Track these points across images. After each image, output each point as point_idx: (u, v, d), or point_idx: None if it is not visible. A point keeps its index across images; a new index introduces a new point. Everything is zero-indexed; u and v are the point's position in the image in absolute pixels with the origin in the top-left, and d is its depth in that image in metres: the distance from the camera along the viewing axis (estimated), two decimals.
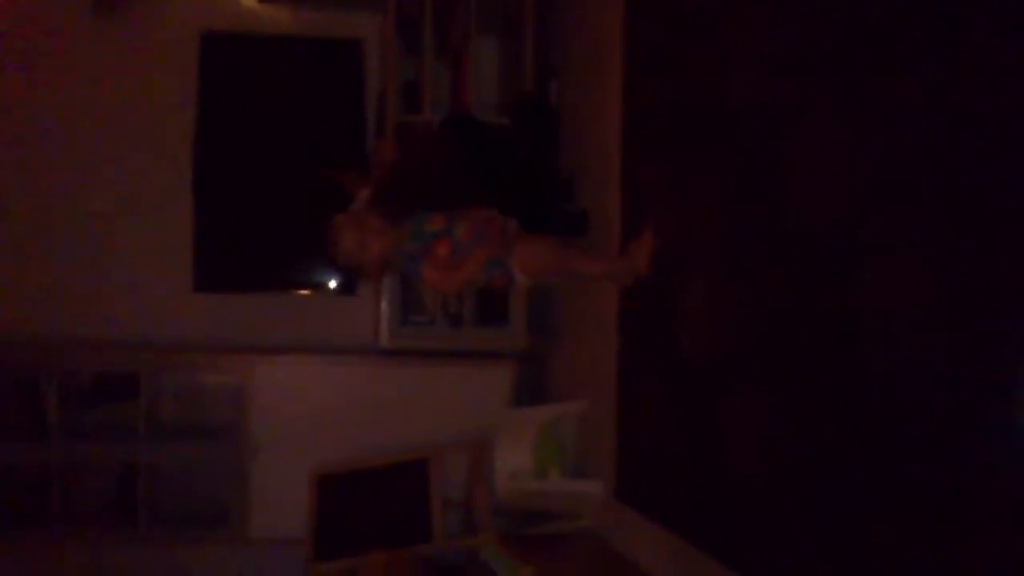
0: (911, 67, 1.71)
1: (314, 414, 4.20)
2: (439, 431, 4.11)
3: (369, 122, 4.63)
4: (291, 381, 4.26)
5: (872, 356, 1.81)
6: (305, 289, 4.68)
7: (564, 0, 4.24)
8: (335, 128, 4.64)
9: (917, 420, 1.67)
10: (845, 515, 1.89)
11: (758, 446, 2.28)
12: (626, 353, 3.26)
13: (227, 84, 4.67)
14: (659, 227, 2.92)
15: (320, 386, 4.26)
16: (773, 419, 2.21)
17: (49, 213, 4.53)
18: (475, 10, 4.25)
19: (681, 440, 2.76)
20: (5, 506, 4.18)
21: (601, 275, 3.20)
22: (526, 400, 4.17)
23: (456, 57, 4.33)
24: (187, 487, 4.44)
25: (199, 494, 4.41)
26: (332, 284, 4.64)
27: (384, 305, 4.20)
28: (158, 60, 4.64)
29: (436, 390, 4.22)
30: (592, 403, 3.61)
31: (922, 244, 1.67)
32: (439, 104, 4.28)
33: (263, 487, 4.19)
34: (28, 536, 4.21)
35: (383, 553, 3.72)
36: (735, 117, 2.46)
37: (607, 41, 3.50)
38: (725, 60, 2.53)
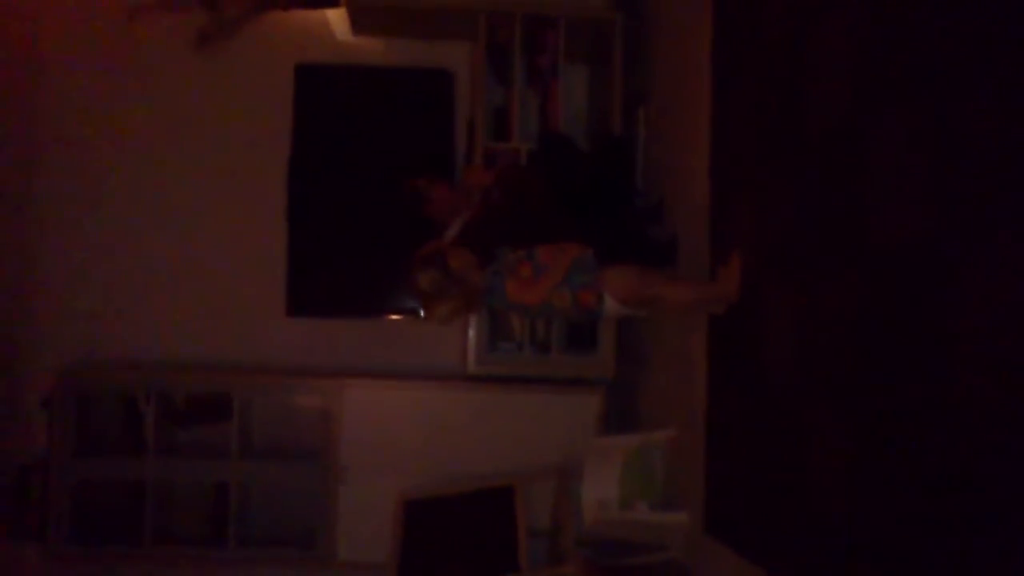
0: (989, 93, 1.66)
1: (401, 439, 4.23)
2: (525, 458, 4.09)
3: (458, 149, 4.67)
4: (379, 405, 4.30)
5: (963, 376, 1.73)
6: (395, 314, 4.72)
7: (652, 28, 4.24)
8: (425, 156, 4.69)
9: (1012, 447, 1.59)
10: (942, 553, 1.81)
11: (848, 479, 2.21)
12: (715, 381, 3.21)
13: (321, 113, 4.77)
14: (747, 251, 2.87)
15: (407, 411, 4.29)
16: (862, 450, 2.14)
17: (149, 239, 4.69)
18: (565, 37, 4.27)
19: (769, 472, 2.69)
20: (101, 521, 4.30)
21: (691, 302, 3.17)
22: (614, 428, 4.13)
23: (545, 84, 4.35)
24: (276, 508, 4.52)
25: (288, 516, 4.48)
26: (422, 313, 4.67)
27: (472, 331, 4.20)
28: (255, 91, 4.78)
29: (523, 417, 4.21)
30: (680, 432, 3.55)
31: (1011, 260, 1.60)
32: (528, 131, 4.30)
33: (350, 510, 4.23)
34: (121, 552, 4.31)
35: None
36: (819, 138, 2.44)
37: (695, 67, 3.49)
38: (809, 83, 2.51)
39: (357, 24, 4.66)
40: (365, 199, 4.70)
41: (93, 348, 4.55)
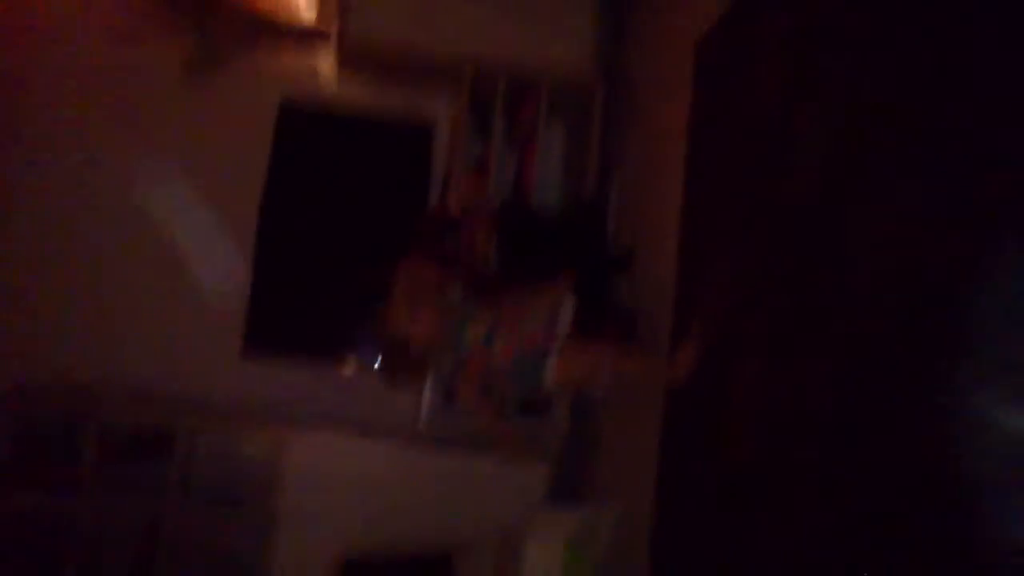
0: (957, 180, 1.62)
1: (345, 493, 4.08)
2: (470, 524, 3.96)
3: (432, 202, 4.63)
4: (325, 457, 4.16)
5: (931, 456, 1.67)
6: (353, 365, 4.62)
7: (632, 95, 4.25)
8: (399, 205, 4.64)
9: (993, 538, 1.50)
10: None
11: (801, 558, 2.11)
12: (667, 455, 3.15)
13: (299, 153, 4.73)
14: (709, 326, 2.80)
15: (354, 465, 4.15)
16: (816, 526, 2.06)
17: (106, 262, 4.57)
18: (546, 98, 4.27)
19: (718, 549, 2.59)
20: (24, 554, 4.13)
21: (644, 376, 3.12)
22: (561, 499, 4.01)
23: (523, 143, 4.33)
24: (210, 554, 4.34)
25: (220, 564, 4.30)
26: (378, 363, 4.57)
27: (427, 389, 4.12)
28: (236, 123, 4.73)
29: (470, 481, 4.08)
30: (628, 506, 3.44)
31: (982, 344, 1.55)
32: (503, 187, 4.28)
33: (285, 563, 4.06)
34: None
35: None
36: (793, 214, 2.42)
37: (671, 137, 3.50)
38: (786, 161, 2.50)
39: (344, 64, 4.66)
40: (334, 244, 4.64)
41: (34, 371, 4.40)
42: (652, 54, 4.14)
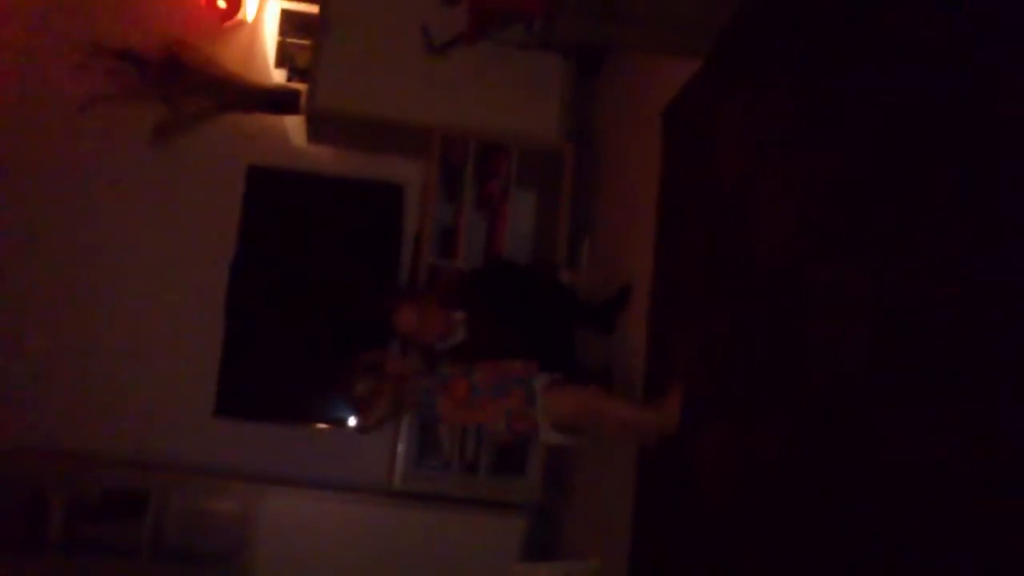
0: (931, 227, 1.76)
1: (319, 550, 4.13)
2: None
3: (403, 263, 4.72)
4: (299, 515, 4.21)
5: (892, 512, 1.78)
6: (324, 423, 4.67)
7: (602, 161, 4.39)
8: (370, 266, 4.73)
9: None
10: None
11: None
12: (642, 512, 3.21)
13: (268, 215, 4.80)
14: (687, 382, 2.91)
15: (328, 522, 4.20)
16: None
17: (79, 324, 4.60)
18: (516, 165, 4.40)
19: None
20: None
21: (630, 423, 3.12)
22: (537, 554, 4.08)
23: (494, 207, 4.45)
24: None
25: None
26: (352, 421, 4.61)
27: (401, 445, 4.17)
28: (205, 187, 4.81)
29: (445, 537, 4.14)
30: (604, 561, 3.52)
31: (939, 403, 1.67)
32: (473, 251, 4.37)
33: None
34: None
35: None
36: (763, 280, 2.52)
37: (642, 203, 3.60)
38: (755, 228, 2.60)
39: (314, 132, 4.74)
40: (305, 305, 4.70)
41: (3, 434, 4.38)
42: (621, 120, 4.29)
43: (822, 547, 2.05)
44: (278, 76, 4.87)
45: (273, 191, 4.85)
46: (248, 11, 4.91)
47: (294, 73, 4.85)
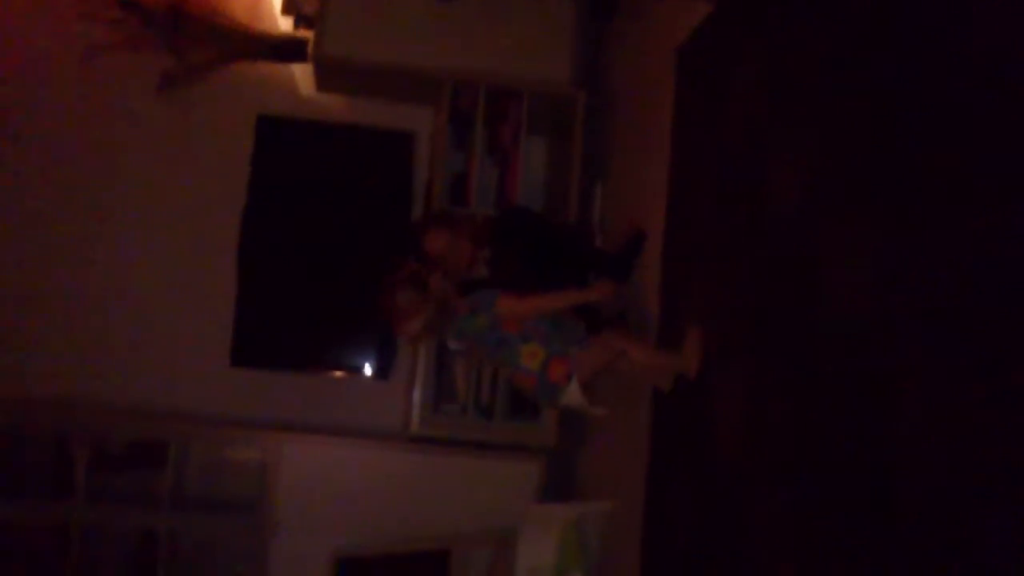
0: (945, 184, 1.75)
1: (338, 496, 4.20)
2: (463, 522, 4.08)
3: (415, 211, 4.72)
4: (318, 461, 4.27)
5: (903, 460, 1.80)
6: (341, 371, 4.71)
7: (614, 106, 4.36)
8: (381, 214, 4.73)
9: (954, 543, 1.65)
10: None
11: (792, 560, 2.25)
12: (657, 456, 3.25)
13: (279, 165, 4.78)
14: (704, 328, 2.93)
15: (346, 468, 4.26)
16: (804, 530, 2.19)
17: (95, 277, 4.64)
18: (527, 110, 4.37)
19: (708, 548, 2.72)
20: (20, 564, 4.17)
21: (653, 363, 3.12)
22: (553, 497, 4.14)
23: (505, 154, 4.43)
24: (206, 562, 4.41)
25: (217, 569, 4.38)
26: (368, 368, 4.66)
27: (416, 392, 4.21)
28: (215, 137, 4.79)
29: (462, 481, 4.21)
30: (619, 505, 3.57)
31: (958, 353, 1.68)
32: (485, 198, 4.36)
33: (281, 567, 4.17)
34: None
35: None
36: (775, 223, 2.51)
37: (654, 148, 3.58)
38: (767, 170, 2.59)
39: (322, 81, 4.71)
40: (317, 254, 4.71)
41: (27, 384, 4.44)
42: (633, 62, 4.25)
43: (829, 495, 2.08)
44: (285, 24, 4.81)
45: (283, 140, 4.83)
46: None
47: (301, 20, 4.79)
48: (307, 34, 4.68)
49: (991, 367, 1.60)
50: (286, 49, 4.79)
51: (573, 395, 3.01)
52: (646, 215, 3.60)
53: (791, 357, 2.35)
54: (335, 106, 4.87)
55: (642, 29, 4.18)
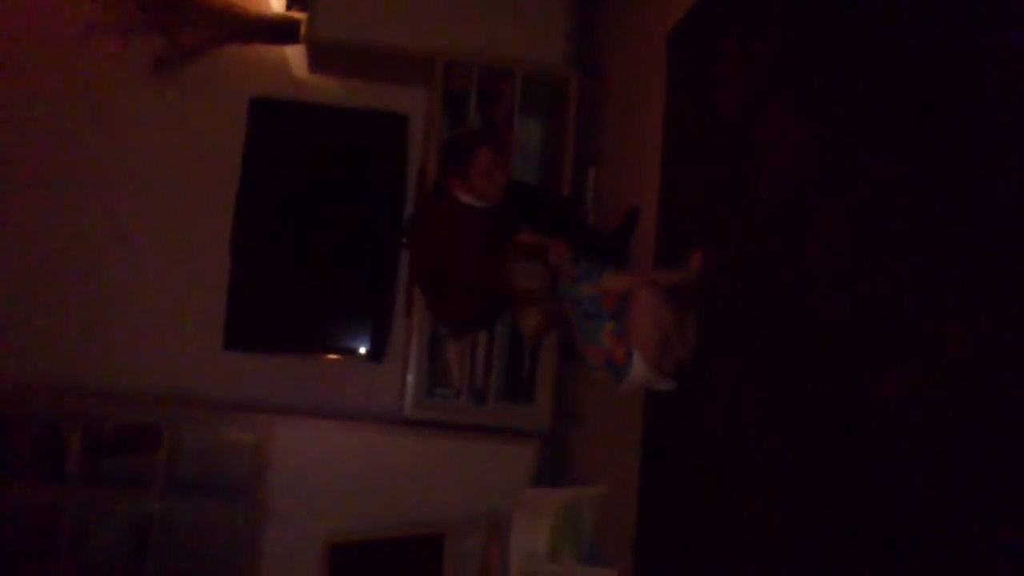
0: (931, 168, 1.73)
1: (332, 479, 4.19)
2: (457, 506, 4.07)
3: (409, 193, 4.69)
4: (311, 444, 4.26)
5: (883, 452, 1.79)
6: (334, 354, 4.69)
7: (607, 88, 4.33)
8: (375, 197, 4.71)
9: (942, 541, 1.64)
10: None
11: (776, 545, 2.24)
12: (649, 440, 3.24)
13: (272, 147, 4.76)
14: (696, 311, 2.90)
15: (340, 451, 4.25)
16: (790, 516, 2.18)
17: (86, 261, 4.61)
18: (520, 92, 4.34)
19: (699, 533, 2.72)
20: (12, 549, 4.16)
21: (672, 281, 2.98)
22: (546, 480, 4.13)
23: (499, 136, 4.40)
24: (199, 546, 4.41)
25: (210, 554, 4.38)
26: (361, 350, 4.64)
27: (410, 375, 4.20)
28: (208, 120, 4.76)
29: (457, 464, 4.20)
30: (612, 488, 3.56)
31: (946, 341, 1.66)
32: None
33: (275, 551, 4.15)
34: None
35: None
36: (764, 205, 2.50)
37: (647, 132, 3.55)
38: (760, 156, 2.57)
39: (315, 62, 4.68)
40: (311, 236, 4.69)
41: (19, 368, 4.43)
42: (625, 45, 4.21)
43: (821, 478, 2.06)
44: (277, 5, 4.78)
45: (276, 122, 4.80)
46: None
47: (293, 1, 4.75)
48: (300, 15, 4.65)
49: (978, 355, 1.58)
50: (279, 30, 4.75)
51: (638, 372, 2.89)
52: (639, 198, 3.57)
53: (780, 343, 2.33)
54: (328, 88, 4.84)
55: (635, 11, 4.14)
